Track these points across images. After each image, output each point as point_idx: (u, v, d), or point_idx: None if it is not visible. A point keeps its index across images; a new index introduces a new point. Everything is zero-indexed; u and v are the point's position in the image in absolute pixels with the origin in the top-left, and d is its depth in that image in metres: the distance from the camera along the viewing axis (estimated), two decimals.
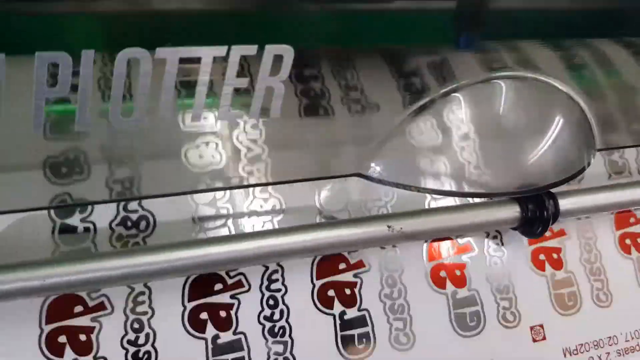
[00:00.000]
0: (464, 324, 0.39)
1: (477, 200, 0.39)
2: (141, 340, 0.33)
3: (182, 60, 0.30)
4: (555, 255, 0.42)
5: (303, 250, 0.36)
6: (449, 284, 0.39)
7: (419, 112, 0.38)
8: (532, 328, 0.40)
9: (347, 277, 0.38)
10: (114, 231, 0.34)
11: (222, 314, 0.35)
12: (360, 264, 0.38)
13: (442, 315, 0.38)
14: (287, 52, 0.31)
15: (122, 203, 0.34)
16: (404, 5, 0.38)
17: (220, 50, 0.30)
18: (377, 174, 0.37)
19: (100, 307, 0.33)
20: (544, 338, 0.40)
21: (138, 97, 0.30)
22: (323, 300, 0.37)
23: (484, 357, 0.38)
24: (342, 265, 0.38)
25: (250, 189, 0.36)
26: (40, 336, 0.32)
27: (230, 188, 0.36)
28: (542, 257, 0.41)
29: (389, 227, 0.37)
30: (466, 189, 0.39)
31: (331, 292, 0.37)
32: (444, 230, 0.38)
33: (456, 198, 0.39)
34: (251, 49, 0.31)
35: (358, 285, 0.38)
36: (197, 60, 0.30)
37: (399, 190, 0.38)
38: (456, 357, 0.38)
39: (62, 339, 0.32)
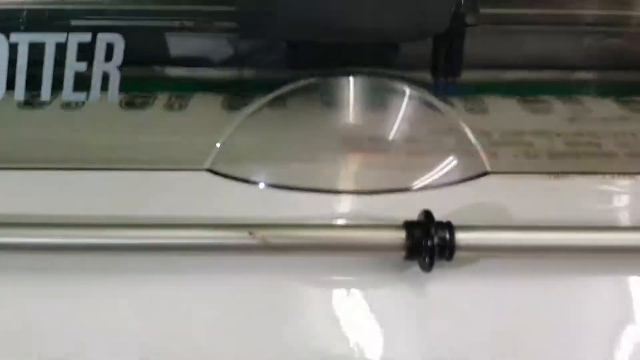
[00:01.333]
0: None
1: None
2: None
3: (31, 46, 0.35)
4: None
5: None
6: None
7: (266, 107, 0.36)
8: None
9: None
10: None
11: None
12: None
13: None
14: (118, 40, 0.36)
15: None
16: None
17: (61, 37, 0.35)
18: (227, 170, 0.34)
19: None
20: None
21: None
22: None
23: None
24: None
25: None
26: None
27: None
28: None
29: (250, 233, 0.34)
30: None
31: None
32: (317, 246, 0.34)
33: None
34: (86, 37, 0.36)
35: None
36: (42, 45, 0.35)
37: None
38: None
39: None
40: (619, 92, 0.45)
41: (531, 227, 0.34)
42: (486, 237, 0.34)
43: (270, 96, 0.39)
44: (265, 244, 0.33)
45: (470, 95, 0.43)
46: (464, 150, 0.38)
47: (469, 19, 0.41)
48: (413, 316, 0.34)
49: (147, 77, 0.47)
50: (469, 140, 0.38)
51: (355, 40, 0.40)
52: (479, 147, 0.37)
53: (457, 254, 0.33)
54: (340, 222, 0.36)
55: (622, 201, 0.38)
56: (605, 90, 0.46)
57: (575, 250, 0.34)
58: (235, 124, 0.38)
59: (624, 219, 0.38)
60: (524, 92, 0.44)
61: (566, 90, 0.45)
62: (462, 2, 0.40)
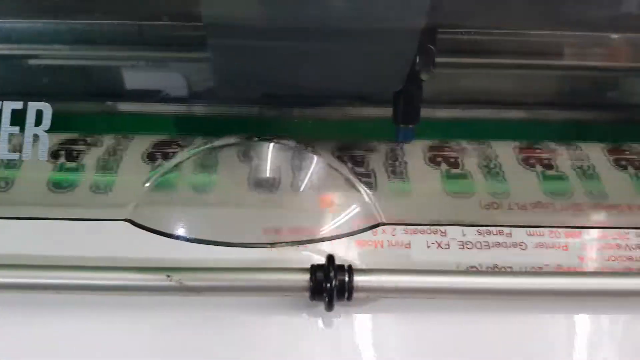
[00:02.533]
0: None
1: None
2: None
3: None
4: None
5: None
6: None
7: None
8: None
9: None
10: None
11: None
12: None
13: None
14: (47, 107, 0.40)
15: None
16: None
17: None
18: (146, 221, 0.38)
19: None
20: None
21: None
22: None
23: None
24: None
25: None
26: None
27: None
28: None
29: (168, 276, 0.37)
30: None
31: None
32: (226, 288, 0.37)
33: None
34: (18, 104, 0.40)
35: None
36: None
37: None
38: None
39: None
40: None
41: (423, 271, 0.38)
42: (382, 280, 0.38)
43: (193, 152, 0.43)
44: (181, 285, 0.37)
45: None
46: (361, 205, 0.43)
47: (423, 76, 0.47)
48: (315, 351, 0.38)
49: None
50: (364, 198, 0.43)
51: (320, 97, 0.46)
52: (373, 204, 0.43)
53: (356, 295, 0.37)
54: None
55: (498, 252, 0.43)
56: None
57: (462, 292, 0.39)
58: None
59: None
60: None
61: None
62: (417, 61, 0.45)
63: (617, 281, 0.39)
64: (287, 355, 0.37)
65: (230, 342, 0.37)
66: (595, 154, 0.49)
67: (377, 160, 0.47)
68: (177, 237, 0.40)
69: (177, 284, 0.36)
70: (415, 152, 0.49)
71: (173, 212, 0.41)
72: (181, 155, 0.43)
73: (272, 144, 0.43)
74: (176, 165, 0.42)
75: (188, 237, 0.40)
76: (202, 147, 0.43)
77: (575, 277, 0.40)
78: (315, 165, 0.44)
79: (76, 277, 0.37)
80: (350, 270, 0.37)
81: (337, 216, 0.42)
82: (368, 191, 0.43)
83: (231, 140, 0.43)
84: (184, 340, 0.37)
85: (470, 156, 0.48)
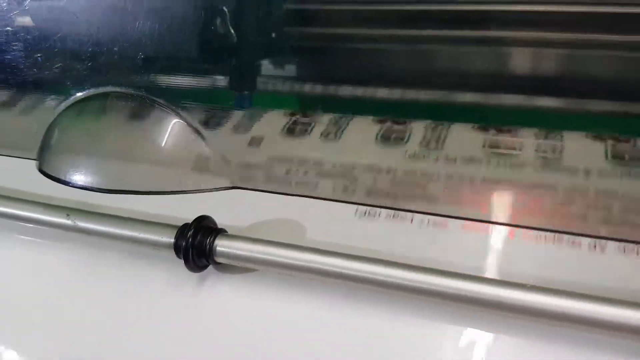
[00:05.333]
0: None
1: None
2: None
3: None
4: None
5: None
6: None
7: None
8: None
9: None
10: None
11: None
12: None
13: None
14: None
15: None
16: None
17: None
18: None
19: None
20: None
21: None
22: None
23: None
24: None
25: None
26: None
27: None
28: None
29: (67, 215, 0.41)
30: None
31: None
32: (106, 234, 0.40)
33: None
34: None
35: None
36: None
37: None
38: None
39: None
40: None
41: (287, 245, 0.36)
42: (243, 247, 0.37)
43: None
44: (75, 225, 0.41)
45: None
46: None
47: None
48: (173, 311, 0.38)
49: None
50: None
51: None
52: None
53: (221, 260, 0.37)
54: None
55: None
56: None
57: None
58: None
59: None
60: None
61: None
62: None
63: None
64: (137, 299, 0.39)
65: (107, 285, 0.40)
66: None
67: None
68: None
69: (72, 223, 0.40)
70: None
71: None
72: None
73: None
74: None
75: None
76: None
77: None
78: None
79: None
80: (216, 233, 0.37)
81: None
82: None
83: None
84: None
85: None
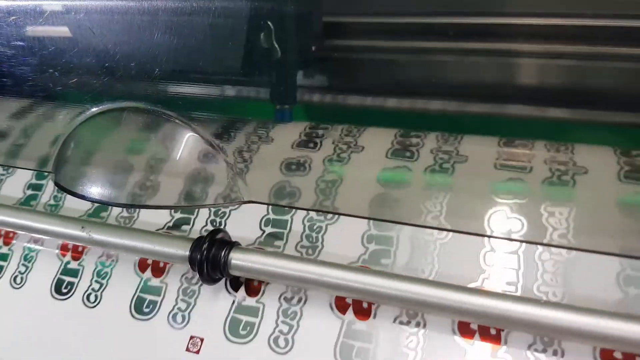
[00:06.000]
0: None
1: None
2: None
3: None
4: None
5: None
6: None
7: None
8: None
9: None
10: None
11: None
12: None
13: None
14: None
15: None
16: None
17: None
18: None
19: None
20: None
21: None
22: None
23: None
24: None
25: None
26: None
27: None
28: None
29: (82, 227, 0.41)
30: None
31: None
32: (122, 247, 0.40)
33: None
34: None
35: None
36: None
37: None
38: None
39: None
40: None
41: (301, 258, 0.37)
42: (257, 261, 0.37)
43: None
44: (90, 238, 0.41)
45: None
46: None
47: None
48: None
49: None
50: None
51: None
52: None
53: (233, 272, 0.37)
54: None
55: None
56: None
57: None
58: None
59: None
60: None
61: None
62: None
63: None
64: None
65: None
66: None
67: None
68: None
69: (88, 235, 0.41)
70: None
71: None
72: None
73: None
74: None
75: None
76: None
77: None
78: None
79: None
80: (231, 246, 0.38)
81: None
82: None
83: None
84: None
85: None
